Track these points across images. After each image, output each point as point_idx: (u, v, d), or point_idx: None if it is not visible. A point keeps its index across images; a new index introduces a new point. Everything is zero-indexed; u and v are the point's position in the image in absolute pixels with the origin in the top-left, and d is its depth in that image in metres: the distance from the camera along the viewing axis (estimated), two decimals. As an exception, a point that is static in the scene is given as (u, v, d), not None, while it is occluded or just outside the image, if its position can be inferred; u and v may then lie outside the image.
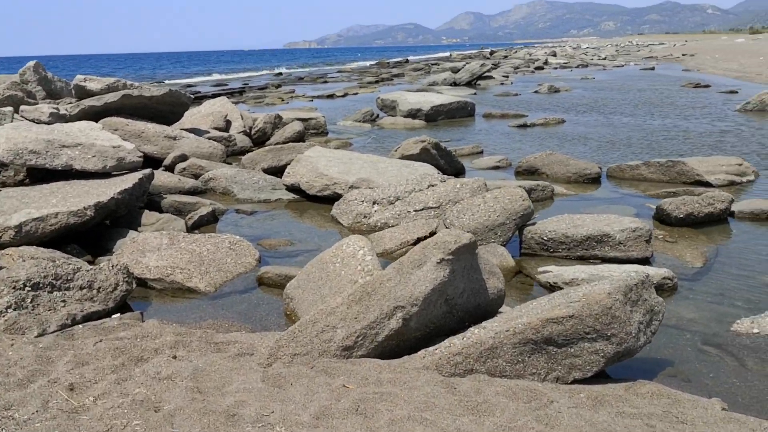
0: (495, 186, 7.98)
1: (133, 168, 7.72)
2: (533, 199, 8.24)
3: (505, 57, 64.65)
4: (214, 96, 23.93)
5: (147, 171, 7.70)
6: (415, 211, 7.23)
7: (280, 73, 50.31)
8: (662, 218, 7.10)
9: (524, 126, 15.45)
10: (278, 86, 32.84)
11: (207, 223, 7.52)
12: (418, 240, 6.38)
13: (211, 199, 8.60)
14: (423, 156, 9.42)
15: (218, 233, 7.04)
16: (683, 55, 59.14)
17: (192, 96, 12.02)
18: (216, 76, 49.02)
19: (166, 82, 40.99)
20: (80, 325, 4.45)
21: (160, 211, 7.74)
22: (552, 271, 5.57)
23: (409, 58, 72.06)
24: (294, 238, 6.96)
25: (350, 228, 7.28)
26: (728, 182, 8.75)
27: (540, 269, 5.75)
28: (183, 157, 10.03)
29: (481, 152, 11.97)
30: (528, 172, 9.86)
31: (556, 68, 45.23)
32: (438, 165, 9.45)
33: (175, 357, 3.68)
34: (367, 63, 69.37)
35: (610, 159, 10.88)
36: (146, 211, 7.27)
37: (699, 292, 5.28)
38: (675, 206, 6.95)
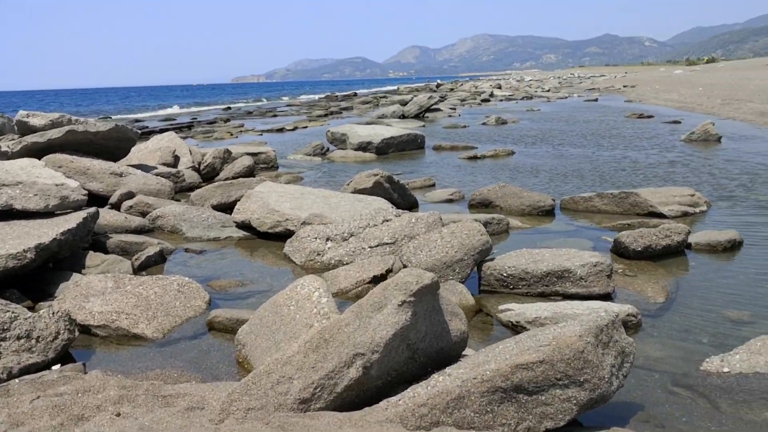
0: (450, 220, 7.88)
1: (77, 207, 7.42)
2: (489, 233, 8.11)
3: (452, 90, 65.29)
4: (162, 131, 23.56)
5: (92, 210, 7.41)
6: (370, 247, 7.06)
7: (229, 108, 49.97)
8: (620, 251, 7.04)
9: (474, 158, 15.44)
10: (227, 120, 32.54)
11: (155, 263, 7.24)
12: (375, 278, 6.20)
13: (160, 238, 8.32)
14: (376, 190, 9.27)
15: (166, 275, 6.78)
16: (624, 86, 60.32)
17: (139, 131, 11.72)
18: (164, 111, 48.44)
19: (114, 117, 40.41)
20: (17, 379, 4.16)
21: (106, 252, 7.45)
22: (513, 309, 5.43)
23: (357, 92, 72.24)
24: (245, 279, 6.72)
25: (303, 266, 7.07)
26: (681, 213, 8.77)
27: (501, 307, 5.60)
28: (130, 195, 9.73)
29: (434, 185, 11.88)
30: (482, 205, 9.78)
31: (501, 100, 45.74)
32: (391, 199, 9.31)
33: (119, 414, 3.42)
34: (316, 96, 69.43)
35: (563, 191, 10.87)
36: (91, 252, 6.96)
37: (664, 328, 5.18)
38: (633, 239, 6.90)
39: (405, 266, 6.15)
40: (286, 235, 8.00)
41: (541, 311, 5.22)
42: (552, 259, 5.95)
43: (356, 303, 3.76)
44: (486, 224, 8.12)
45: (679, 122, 23.01)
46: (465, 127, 24.04)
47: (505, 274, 5.98)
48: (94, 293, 5.64)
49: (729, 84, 40.42)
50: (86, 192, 7.62)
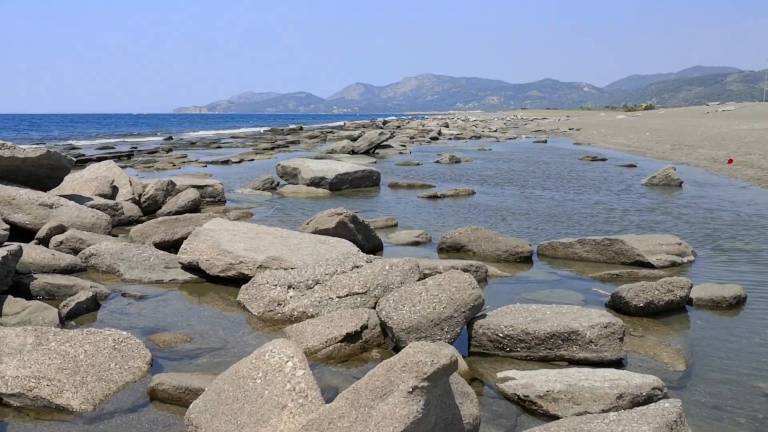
0: (427, 267, 7.04)
1: (-5, 243, 6.38)
2: (466, 282, 7.33)
3: (399, 127, 64.97)
4: (99, 159, 22.33)
5: (13, 247, 6.37)
6: (339, 297, 6.16)
7: (171, 137, 48.61)
8: (618, 307, 6.28)
9: (434, 197, 14.69)
10: (169, 150, 31.33)
11: (86, 311, 6.20)
12: (348, 336, 5.31)
13: (93, 279, 7.31)
14: (339, 230, 8.40)
15: (99, 326, 5.78)
16: (570, 129, 60.80)
17: (74, 159, 10.63)
18: (102, 140, 46.82)
19: (47, 143, 38.74)
20: None
21: (29, 296, 6.41)
22: (516, 378, 4.60)
23: (303, 126, 71.44)
24: (193, 331, 5.75)
25: (261, 317, 6.13)
26: (670, 263, 8.10)
27: (499, 375, 4.77)
28: (60, 229, 8.66)
29: (396, 225, 11.05)
30: (452, 249, 8.97)
31: (450, 139, 45.46)
32: (356, 240, 8.44)
33: None
34: (261, 129, 68.40)
35: (535, 235, 10.16)
36: (9, 298, 5.92)
37: (692, 404, 4.40)
38: (634, 294, 6.15)
39: (384, 322, 5.28)
40: (240, 279, 7.07)
41: (552, 383, 4.39)
42: (555, 319, 5.14)
43: (352, 387, 2.90)
44: (464, 271, 7.29)
45: (635, 166, 22.74)
46: (418, 164, 23.35)
47: (501, 335, 5.15)
48: (9, 351, 4.61)
49: (674, 130, 40.78)
50: (7, 226, 6.60)
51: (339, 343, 5.26)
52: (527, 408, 4.32)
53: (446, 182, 17.73)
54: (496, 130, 59.38)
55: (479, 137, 47.52)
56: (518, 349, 5.12)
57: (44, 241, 8.50)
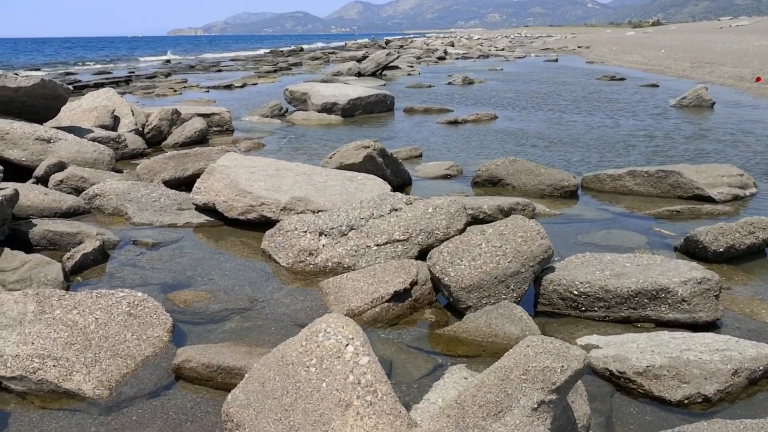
0: (469, 207, 6.31)
1: (-13, 188, 5.65)
2: (512, 222, 6.61)
3: (401, 47, 63.21)
4: (96, 86, 21.39)
5: (8, 191, 5.65)
6: (377, 245, 5.45)
7: (169, 61, 47.27)
8: (693, 252, 5.58)
9: (455, 123, 13.85)
10: (168, 75, 30.24)
11: (93, 263, 5.51)
12: (396, 294, 4.61)
13: (99, 223, 6.62)
14: (367, 165, 7.64)
15: (109, 282, 5.10)
16: (579, 47, 59.25)
17: (71, 87, 9.76)
18: (98, 65, 45.51)
19: (43, 70, 37.57)
20: None
21: (29, 248, 5.71)
22: (600, 347, 3.93)
23: (303, 47, 69.67)
24: (216, 287, 5.06)
25: (290, 269, 5.43)
26: (732, 196, 7.37)
27: (579, 341, 4.09)
28: (60, 166, 7.91)
29: (420, 155, 10.27)
30: (489, 183, 8.22)
31: (458, 58, 44.17)
32: (384, 176, 7.69)
33: None
34: (261, 51, 66.77)
35: (573, 166, 9.40)
36: (7, 251, 5.21)
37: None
38: (713, 237, 5.43)
39: (438, 278, 4.57)
40: (262, 223, 6.36)
41: (649, 354, 3.71)
42: (639, 273, 4.43)
43: (455, 402, 2.18)
44: (510, 211, 6.58)
45: (657, 86, 21.76)
46: (430, 86, 22.38)
47: (575, 292, 4.45)
48: (8, 323, 3.92)
49: (690, 47, 39.45)
50: (1, 168, 5.83)
51: (386, 303, 4.57)
52: (622, 386, 3.64)
53: (464, 106, 16.85)
54: (503, 49, 57.83)
55: (487, 56, 46.19)
56: (595, 308, 4.43)
57: (42, 180, 7.77)
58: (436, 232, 5.56)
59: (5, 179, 7.37)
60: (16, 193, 5.76)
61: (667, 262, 4.61)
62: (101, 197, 7.04)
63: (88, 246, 5.51)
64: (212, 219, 6.73)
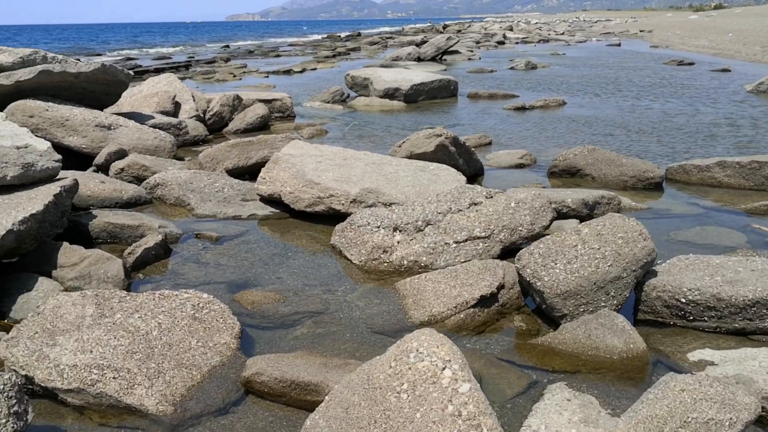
0: (559, 203, 5.85)
1: (47, 177, 5.41)
2: (597, 217, 6.13)
3: (459, 31, 62.40)
4: (157, 71, 21.35)
5: (67, 181, 5.38)
6: (456, 242, 5.05)
7: (228, 46, 47.32)
8: (805, 254, 5.04)
9: (522, 109, 13.33)
10: (227, 60, 30.13)
11: (155, 258, 5.22)
12: (482, 299, 4.21)
13: (161, 214, 6.35)
14: (439, 154, 7.22)
15: (172, 280, 4.80)
16: (641, 31, 57.82)
17: (131, 72, 9.53)
18: (158, 50, 45.81)
19: (106, 55, 37.94)
20: None
21: (88, 240, 5.45)
22: (717, 364, 3.47)
23: (360, 32, 69.29)
24: (285, 287, 4.71)
25: (363, 267, 5.06)
26: (836, 191, 6.77)
27: (691, 356, 3.64)
28: (120, 153, 7.68)
29: (490, 143, 9.81)
30: (566, 173, 7.74)
31: (517, 43, 43.32)
32: (456, 165, 7.27)
33: None
34: (318, 36, 66.64)
35: (654, 155, 8.84)
36: (66, 245, 4.93)
37: None
38: (831, 238, 4.90)
39: (529, 283, 4.14)
40: (330, 215, 6.00)
41: (781, 377, 3.24)
42: (756, 280, 3.94)
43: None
44: (594, 205, 6.10)
45: (729, 70, 20.82)
46: (492, 71, 21.80)
47: (683, 300, 3.98)
48: (65, 327, 3.63)
49: (760, 30, 37.96)
50: (59, 157, 5.57)
51: (471, 309, 4.17)
52: None
53: (529, 91, 16.29)
54: (563, 33, 56.63)
55: (547, 41, 45.20)
56: (705, 318, 3.96)
57: (103, 168, 7.55)
58: (520, 228, 5.14)
59: (65, 167, 7.15)
60: (76, 183, 5.50)
61: (789, 267, 4.10)
62: (163, 186, 6.77)
63: (150, 240, 5.22)
64: (277, 211, 6.40)
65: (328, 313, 4.29)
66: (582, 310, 3.96)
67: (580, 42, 43.76)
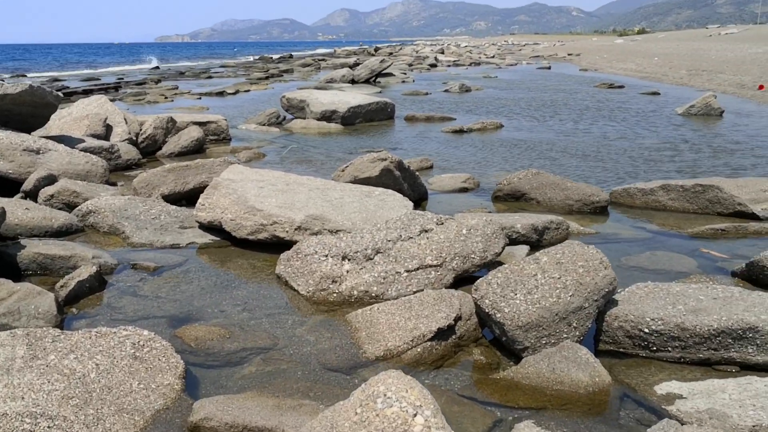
0: (512, 228, 5.75)
1: (-30, 206, 5.05)
2: (546, 243, 6.07)
3: (391, 54, 62.74)
4: (86, 92, 20.77)
5: (-7, 210, 5.04)
6: (407, 271, 4.89)
7: (157, 67, 46.56)
8: (757, 278, 5.03)
9: (460, 131, 13.31)
10: (158, 81, 29.59)
11: (89, 291, 4.92)
12: (439, 331, 4.04)
13: (94, 243, 6.03)
14: (384, 179, 7.07)
15: (108, 315, 4.51)
16: (569, 54, 59.11)
17: (60, 94, 9.14)
18: (86, 71, 44.76)
19: (29, 75, 36.88)
20: None
21: (17, 274, 5.12)
22: (686, 397, 3.38)
23: (292, 54, 69.07)
24: (229, 321, 4.47)
25: (311, 298, 4.85)
26: (778, 213, 6.85)
27: (658, 389, 3.54)
28: (50, 179, 7.32)
29: (431, 167, 9.72)
30: (511, 197, 7.68)
31: (449, 66, 43.78)
32: (401, 190, 7.14)
33: None
34: (250, 58, 66.18)
35: (594, 179, 8.87)
36: (-9, 279, 4.60)
37: None
38: (782, 262, 4.90)
39: (488, 315, 4.00)
40: (274, 243, 5.79)
41: (751, 410, 3.17)
42: (720, 309, 3.87)
43: None
44: (544, 231, 6.03)
45: (658, 93, 21.34)
46: (427, 94, 21.87)
47: (646, 330, 3.89)
48: (-7, 372, 3.33)
49: (684, 54, 39.17)
50: (-15, 185, 5.23)
51: (429, 342, 4.00)
52: (726, 450, 3.08)
53: (465, 114, 16.33)
54: (493, 56, 57.47)
55: (478, 64, 45.83)
56: (669, 348, 3.87)
57: (31, 195, 7.18)
58: (473, 256, 5.01)
59: (-10, 194, 6.78)
60: (3, 213, 5.16)
61: (748, 294, 4.06)
62: (96, 214, 6.44)
63: (84, 272, 4.92)
64: (218, 239, 6.15)
65: (277, 349, 4.06)
66: (544, 342, 3.83)
67: (511, 65, 44.45)
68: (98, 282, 5.03)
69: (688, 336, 3.78)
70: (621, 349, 4.01)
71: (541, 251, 4.21)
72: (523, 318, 3.81)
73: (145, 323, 4.37)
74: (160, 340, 3.76)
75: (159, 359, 3.63)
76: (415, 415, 2.44)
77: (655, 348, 3.90)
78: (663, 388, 3.56)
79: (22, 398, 3.16)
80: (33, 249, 5.29)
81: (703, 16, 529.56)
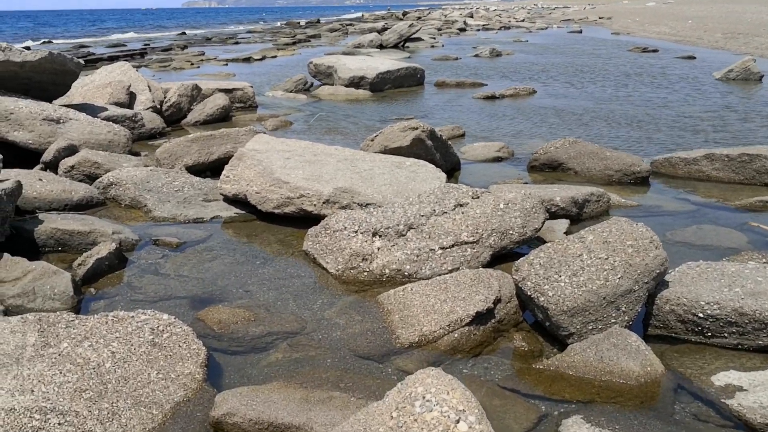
0: (541, 198, 5.44)
1: (-15, 180, 4.84)
2: (586, 216, 5.76)
3: (419, 18, 61.85)
4: (110, 59, 20.57)
5: (8, 184, 4.83)
6: (442, 248, 4.61)
7: (184, 33, 46.26)
8: (815, 257, 4.69)
9: (492, 98, 12.92)
10: (184, 47, 29.32)
11: (109, 269, 4.70)
12: (478, 315, 3.77)
13: (115, 217, 5.83)
14: (415, 149, 6.77)
15: (127, 296, 4.29)
16: (600, 18, 57.85)
17: (82, 61, 8.90)
18: (112, 36, 44.62)
19: (56, 42, 36.79)
20: None
21: (34, 251, 4.91)
22: (746, 389, 3.10)
23: (320, 19, 68.40)
24: (255, 302, 4.23)
25: (340, 277, 4.60)
26: (830, 185, 6.46)
27: (715, 379, 3.25)
28: (71, 149, 7.11)
29: (463, 135, 9.39)
30: (547, 167, 7.35)
31: (479, 30, 42.95)
32: (433, 160, 6.84)
33: None
34: (277, 23, 65.73)
35: (633, 147, 8.49)
36: (6, 257, 4.41)
37: None
38: None
39: (531, 298, 3.71)
40: (301, 217, 5.53)
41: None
42: (784, 292, 3.56)
43: None
44: (584, 203, 5.72)
45: (694, 57, 20.64)
46: (457, 59, 21.38)
47: (701, 315, 3.58)
48: (1, 362, 3.12)
49: (719, 17, 38.11)
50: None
51: (466, 327, 3.73)
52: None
53: (497, 79, 15.88)
54: (523, 20, 56.37)
55: (508, 28, 44.95)
56: (725, 335, 3.57)
57: (51, 166, 6.98)
58: (511, 232, 4.72)
59: (10, 165, 6.60)
60: (19, 186, 4.95)
61: (815, 276, 3.73)
62: (117, 186, 6.23)
63: (103, 249, 4.70)
64: (243, 212, 5.92)
65: (305, 334, 3.82)
66: (591, 328, 3.55)
67: (542, 29, 43.52)
68: (118, 259, 4.81)
69: (746, 321, 3.48)
70: (672, 334, 3.72)
71: (586, 229, 3.90)
72: (568, 302, 3.52)
73: (166, 304, 4.15)
74: (180, 325, 3.53)
75: (179, 346, 3.41)
76: (458, 421, 2.18)
77: (710, 334, 3.60)
78: (721, 378, 3.27)
79: (32, 391, 2.95)
80: (51, 224, 5.07)
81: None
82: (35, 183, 5.90)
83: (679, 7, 61.66)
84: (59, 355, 3.17)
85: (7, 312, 3.95)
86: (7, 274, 4.27)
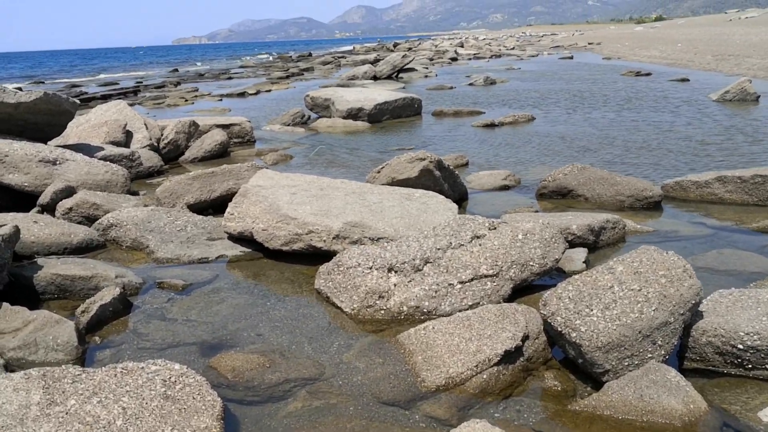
0: (563, 226, 5.27)
1: (-19, 226, 4.64)
2: (603, 244, 5.59)
3: (410, 49, 62.14)
4: (104, 98, 20.47)
5: (5, 230, 4.65)
6: (461, 283, 4.42)
7: (176, 70, 46.32)
8: None
9: (491, 125, 12.81)
10: (177, 84, 29.28)
11: (113, 316, 4.50)
12: (506, 354, 3.57)
13: (116, 260, 5.62)
14: (423, 180, 6.61)
15: (134, 344, 4.08)
16: (589, 43, 58.31)
17: (77, 101, 8.75)
18: (104, 75, 44.65)
19: (47, 82, 36.74)
20: None
21: (34, 298, 4.71)
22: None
23: (311, 52, 68.69)
24: (269, 346, 4.02)
25: (356, 317, 4.40)
26: None
27: (762, 415, 3.06)
28: (68, 191, 6.92)
29: (467, 164, 9.24)
30: (557, 195, 7.19)
31: (470, 59, 43.15)
32: (442, 191, 6.68)
33: None
34: (269, 57, 65.96)
35: (640, 171, 8.35)
36: (5, 306, 4.20)
37: None
38: None
39: (561, 334, 3.52)
40: (310, 254, 5.34)
41: None
42: (828, 320, 3.38)
43: None
44: (600, 231, 5.54)
45: (688, 80, 20.64)
46: (452, 88, 21.35)
47: (740, 346, 3.40)
48: (4, 423, 2.91)
49: (707, 39, 38.34)
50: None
51: (495, 367, 3.53)
52: None
53: (494, 107, 15.81)
54: (513, 48, 56.73)
55: (499, 56, 45.19)
56: (767, 366, 3.38)
57: (48, 208, 6.79)
58: (531, 263, 4.54)
59: (6, 209, 6.42)
60: (17, 231, 4.76)
61: None
62: (117, 227, 6.04)
63: (107, 295, 4.50)
64: (249, 250, 5.72)
65: (324, 380, 3.61)
66: (626, 363, 3.36)
67: (533, 56, 43.75)
68: (122, 305, 4.61)
69: (793, 353, 3.29)
70: (710, 368, 3.52)
71: (614, 260, 3.71)
72: (602, 337, 3.33)
73: (176, 352, 3.95)
74: (194, 375, 3.32)
75: (193, 398, 3.20)
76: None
77: (750, 366, 3.41)
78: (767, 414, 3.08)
79: (39, 454, 2.73)
80: (51, 270, 4.87)
81: (718, 0, 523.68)
82: (32, 227, 5.70)
83: (667, 31, 62.16)
84: (66, 413, 2.96)
85: (8, 366, 3.74)
86: (6, 325, 4.07)
